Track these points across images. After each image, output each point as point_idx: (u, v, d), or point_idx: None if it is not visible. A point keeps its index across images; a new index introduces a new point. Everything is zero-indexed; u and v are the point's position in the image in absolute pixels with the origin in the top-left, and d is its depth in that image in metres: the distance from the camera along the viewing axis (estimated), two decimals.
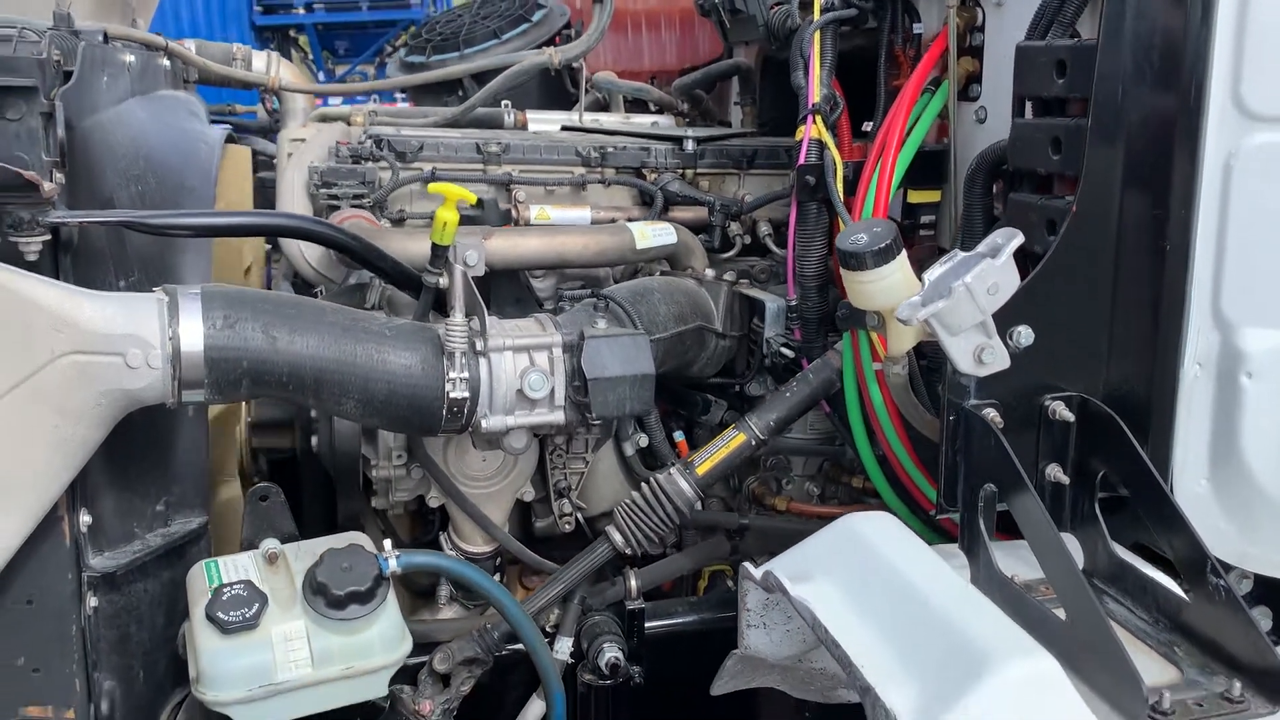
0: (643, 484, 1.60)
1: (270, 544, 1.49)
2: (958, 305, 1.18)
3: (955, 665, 0.99)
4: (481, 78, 2.35)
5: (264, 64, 2.38)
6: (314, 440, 1.76)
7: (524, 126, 2.27)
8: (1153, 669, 1.11)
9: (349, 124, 2.04)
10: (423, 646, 1.59)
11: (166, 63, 2.03)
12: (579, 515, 1.80)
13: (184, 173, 1.67)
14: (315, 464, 1.82)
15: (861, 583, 1.15)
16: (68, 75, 1.37)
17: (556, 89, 2.53)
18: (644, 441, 1.79)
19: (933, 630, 1.05)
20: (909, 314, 1.21)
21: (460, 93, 2.57)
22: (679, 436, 1.86)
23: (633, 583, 1.73)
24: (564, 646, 1.63)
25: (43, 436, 1.28)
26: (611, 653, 1.61)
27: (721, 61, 2.39)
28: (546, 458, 1.76)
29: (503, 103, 2.28)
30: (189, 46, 2.18)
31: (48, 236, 1.27)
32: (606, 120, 2.29)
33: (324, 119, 2.22)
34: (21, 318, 1.25)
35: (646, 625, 1.74)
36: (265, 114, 2.66)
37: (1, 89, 1.24)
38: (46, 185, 1.23)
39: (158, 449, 1.53)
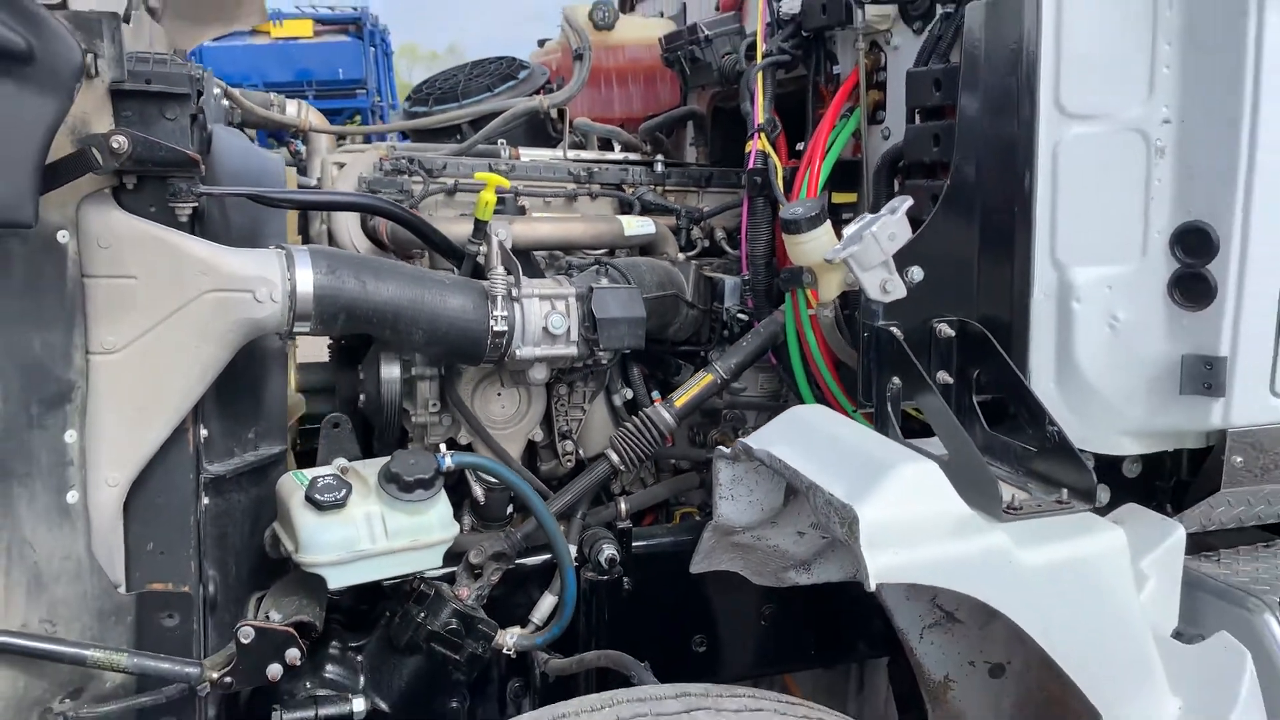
0: (634, 416, 2.05)
1: (341, 461, 1.90)
2: (867, 248, 1.67)
3: (871, 470, 1.44)
4: (478, 123, 2.83)
5: (295, 110, 2.84)
6: (361, 398, 2.18)
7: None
8: (1009, 492, 1.57)
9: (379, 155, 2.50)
10: (453, 557, 2.00)
11: (226, 102, 2.48)
12: (579, 453, 2.22)
13: (263, 182, 2.10)
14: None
15: (804, 438, 1.60)
16: (199, 93, 1.81)
17: (540, 132, 3.01)
18: (629, 395, 2.24)
19: (855, 457, 1.50)
20: (834, 255, 1.68)
21: (458, 137, 3.04)
22: (655, 395, 2.31)
23: (622, 506, 2.16)
24: (570, 551, 2.04)
25: (187, 355, 1.69)
26: (609, 550, 2.03)
27: (679, 109, 2.90)
28: (552, 406, 2.19)
29: (499, 140, 2.76)
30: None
31: (197, 204, 1.70)
32: (585, 156, 2.78)
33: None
34: (177, 263, 1.66)
35: (633, 543, 2.17)
36: (289, 154, 3.11)
37: (166, 95, 1.67)
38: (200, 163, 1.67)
39: (253, 389, 1.93)
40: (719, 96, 2.75)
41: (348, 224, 2.20)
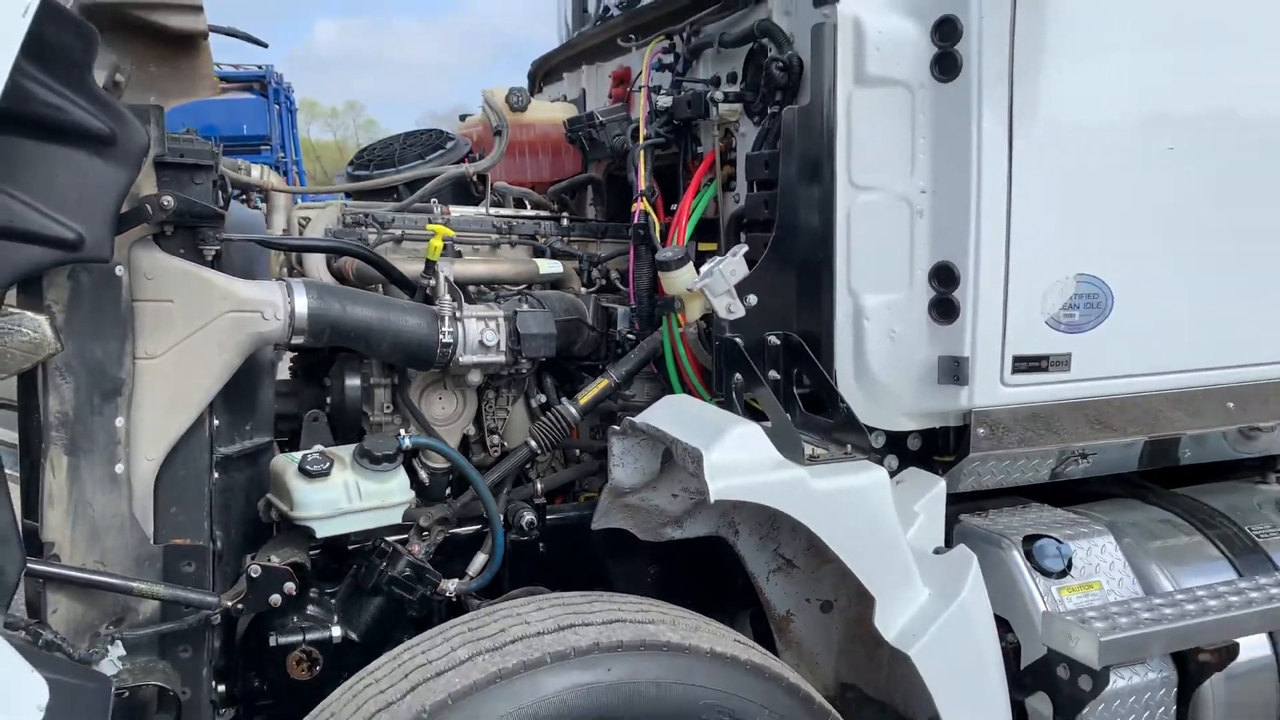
0: (548, 411, 2.66)
1: (319, 445, 2.46)
2: (716, 280, 2.32)
3: (714, 430, 2.08)
4: (413, 185, 3.44)
5: (259, 172, 3.40)
6: (328, 402, 2.73)
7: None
8: (811, 449, 2.22)
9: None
10: (405, 527, 2.56)
11: None
12: (503, 445, 2.82)
13: (251, 231, 2.66)
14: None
15: (673, 415, 2.23)
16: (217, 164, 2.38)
17: (464, 192, 3.62)
18: (543, 399, 2.84)
19: (706, 424, 2.14)
20: (694, 285, 2.34)
21: (395, 196, 3.62)
22: (564, 400, 2.91)
23: (538, 485, 2.76)
24: (499, 515, 2.62)
25: (209, 361, 2.24)
26: (528, 516, 2.63)
27: (580, 175, 3.54)
28: (482, 408, 2.78)
29: (432, 199, 3.35)
30: None
31: (219, 247, 2.26)
32: (504, 212, 3.40)
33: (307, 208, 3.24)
34: (204, 291, 2.22)
35: (547, 515, 2.76)
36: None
37: (195, 165, 2.24)
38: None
39: (251, 391, 2.47)
40: (612, 166, 3.41)
41: (317, 264, 2.77)
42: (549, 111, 3.57)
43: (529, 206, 3.59)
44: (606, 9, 3.95)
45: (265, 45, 3.60)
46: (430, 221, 2.96)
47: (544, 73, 4.17)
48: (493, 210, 3.37)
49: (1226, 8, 2.49)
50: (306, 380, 2.85)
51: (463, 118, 4.15)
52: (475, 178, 3.35)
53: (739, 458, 2.02)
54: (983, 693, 2.21)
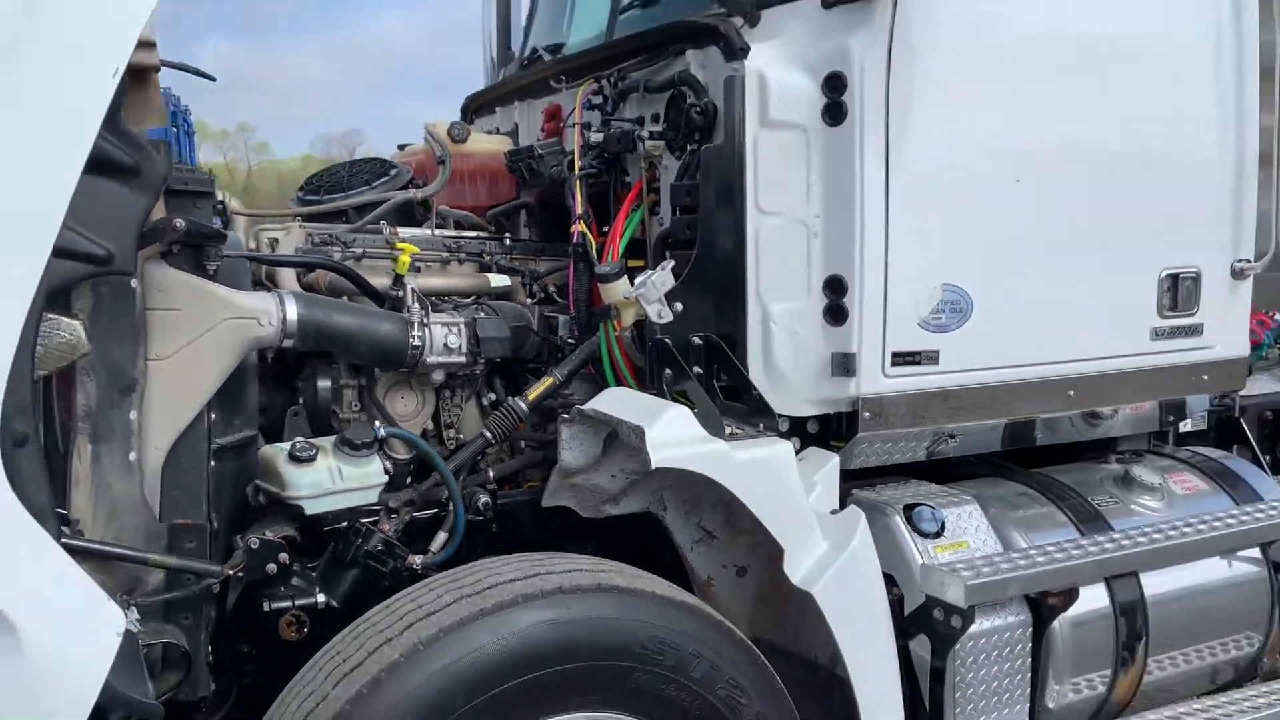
0: (499, 406, 3.05)
1: (300, 437, 2.81)
2: (648, 290, 2.76)
3: (653, 413, 2.51)
4: (363, 209, 3.79)
5: (221, 196, 3.71)
6: (300, 402, 3.08)
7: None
8: (730, 429, 2.67)
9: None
10: (376, 511, 2.92)
11: None
12: (458, 439, 3.20)
13: (233, 249, 3.00)
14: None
15: (615, 402, 2.66)
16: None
17: (408, 215, 3.98)
18: (494, 398, 3.23)
19: (645, 408, 2.57)
20: (630, 295, 2.77)
21: (344, 218, 3.97)
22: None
23: (490, 472, 3.15)
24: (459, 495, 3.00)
25: (210, 361, 2.58)
26: (484, 498, 3.01)
27: (517, 200, 3.95)
28: (440, 406, 3.16)
29: (382, 222, 3.72)
30: None
31: (219, 262, 2.60)
32: (449, 233, 3.78)
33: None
34: (207, 301, 2.56)
35: (498, 499, 3.15)
36: None
37: (198, 192, 2.59)
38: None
39: (240, 390, 2.80)
40: (546, 193, 3.82)
41: (288, 278, 3.12)
42: (487, 143, 3.97)
43: (467, 228, 3.98)
44: (535, 51, 4.38)
45: (214, 79, 3.92)
46: (388, 241, 3.33)
47: (476, 106, 4.57)
48: (438, 231, 3.75)
49: (1054, 69, 3.04)
50: (275, 385, 3.19)
51: (401, 147, 4.51)
52: (420, 202, 3.73)
53: (674, 434, 2.46)
54: (873, 628, 2.68)
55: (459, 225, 3.98)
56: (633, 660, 2.30)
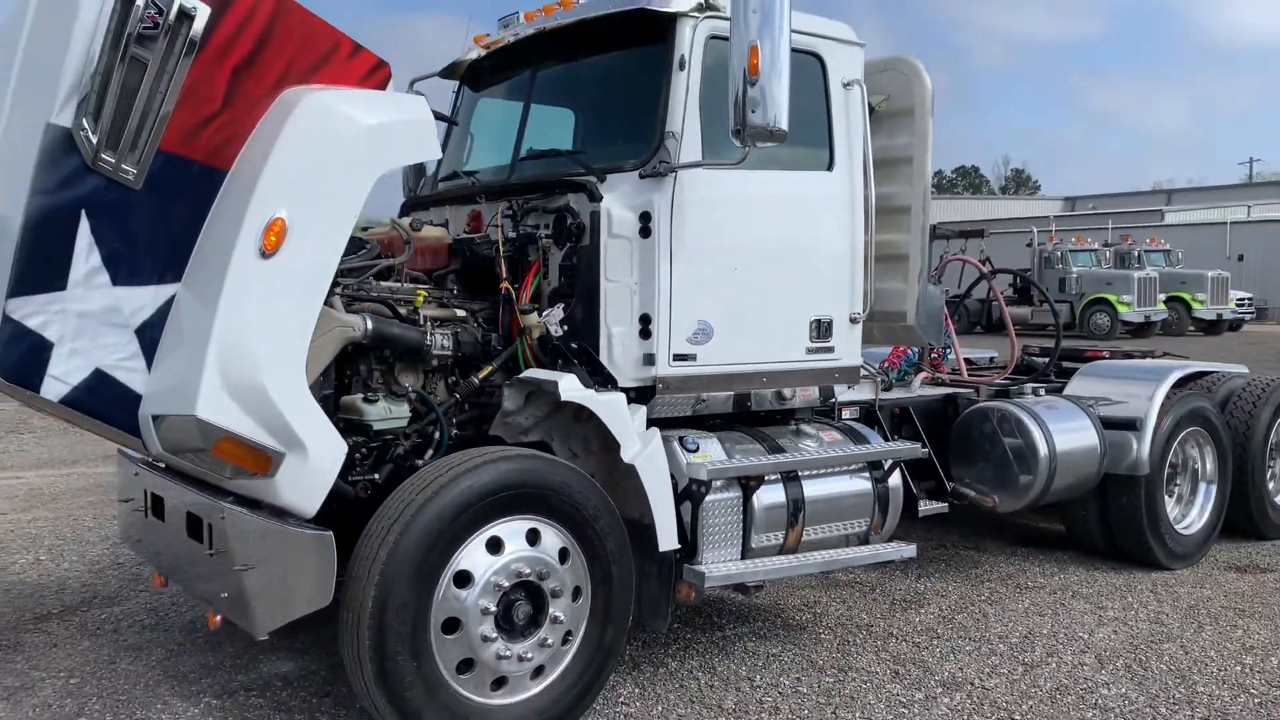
0: (459, 382, 5.57)
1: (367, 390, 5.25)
2: (549, 319, 5.38)
3: (561, 377, 5.13)
4: (356, 270, 6.22)
5: None
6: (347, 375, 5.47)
7: None
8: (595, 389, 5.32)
9: None
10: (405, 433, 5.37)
11: None
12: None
13: None
14: None
15: (538, 373, 5.26)
16: None
17: (382, 274, 6.39)
18: (454, 378, 5.73)
19: (554, 376, 5.18)
20: (538, 321, 5.38)
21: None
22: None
23: (454, 419, 5.65)
24: None
25: (320, 353, 4.97)
26: (454, 430, 5.50)
27: (450, 268, 6.43)
28: (426, 381, 5.63)
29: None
30: None
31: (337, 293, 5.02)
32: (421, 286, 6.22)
33: None
34: (328, 315, 4.97)
35: (460, 431, 5.65)
36: None
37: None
38: None
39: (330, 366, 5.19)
40: (468, 264, 6.32)
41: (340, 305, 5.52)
42: (432, 231, 6.47)
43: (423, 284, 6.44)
44: (455, 173, 6.94)
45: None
46: (395, 289, 5.78)
47: (412, 204, 7.07)
48: (408, 284, 6.20)
49: (755, 212, 5.92)
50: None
51: (365, 229, 6.92)
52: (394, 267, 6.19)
53: (570, 386, 5.07)
54: (663, 489, 5.32)
55: (415, 281, 6.45)
56: (550, 490, 4.88)
